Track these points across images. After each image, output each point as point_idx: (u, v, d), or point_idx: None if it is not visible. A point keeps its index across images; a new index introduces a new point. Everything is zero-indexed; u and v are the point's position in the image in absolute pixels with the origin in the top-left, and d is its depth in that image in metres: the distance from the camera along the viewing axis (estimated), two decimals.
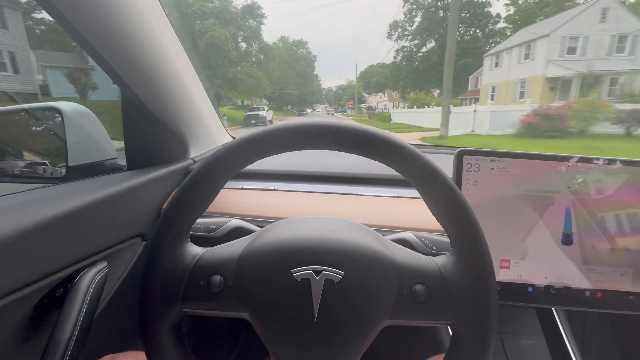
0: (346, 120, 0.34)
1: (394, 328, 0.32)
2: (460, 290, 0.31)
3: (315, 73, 69.20)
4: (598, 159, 0.46)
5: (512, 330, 0.77)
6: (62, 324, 0.39)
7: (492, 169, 0.48)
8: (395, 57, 33.17)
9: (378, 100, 53.13)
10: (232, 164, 0.32)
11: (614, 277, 0.46)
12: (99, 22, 0.45)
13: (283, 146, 0.31)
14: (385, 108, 44.52)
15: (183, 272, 0.32)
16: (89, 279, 0.44)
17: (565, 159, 0.47)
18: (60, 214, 0.41)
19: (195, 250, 0.34)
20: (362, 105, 54.40)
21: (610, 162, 0.46)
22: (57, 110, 0.68)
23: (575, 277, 0.47)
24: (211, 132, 0.83)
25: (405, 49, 31.42)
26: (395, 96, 45.53)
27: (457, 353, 0.31)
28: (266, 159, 0.31)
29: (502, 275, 0.48)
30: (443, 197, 0.31)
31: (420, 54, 30.14)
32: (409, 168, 0.31)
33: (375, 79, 65.96)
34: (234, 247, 0.34)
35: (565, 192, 0.47)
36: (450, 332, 0.32)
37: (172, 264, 0.32)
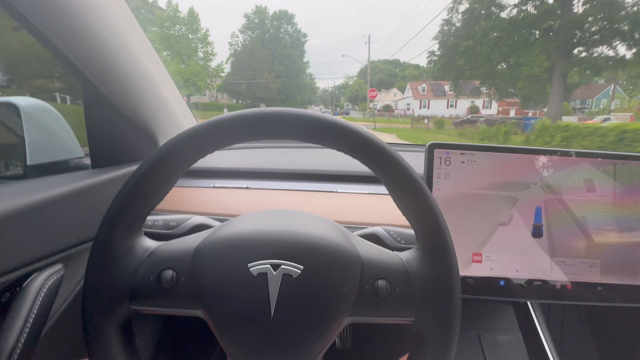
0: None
1: (367, 328, 0.38)
2: (424, 286, 0.35)
3: (305, 60, 59.91)
4: (563, 152, 0.57)
5: (489, 327, 0.87)
6: (6, 331, 0.43)
7: (463, 162, 0.58)
8: (449, 14, 19.35)
9: (393, 98, 49.09)
10: (197, 148, 0.34)
11: (583, 268, 0.57)
12: (51, 8, 0.50)
13: (256, 133, 0.34)
14: (409, 108, 40.78)
15: (132, 267, 0.35)
16: (39, 283, 0.49)
17: (535, 152, 0.57)
18: (4, 212, 0.44)
19: (148, 243, 0.38)
20: (373, 105, 49.94)
21: (578, 155, 0.57)
22: (12, 106, 0.78)
23: (546, 270, 0.57)
24: (182, 127, 0.93)
25: None
26: (423, 91, 41.05)
27: (420, 351, 0.36)
28: (240, 156, 0.36)
29: (474, 269, 0.58)
30: (408, 191, 0.35)
31: None
32: (374, 160, 0.35)
33: (378, 76, 67.45)
34: (189, 241, 0.38)
35: (535, 185, 0.58)
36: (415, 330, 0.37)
37: (121, 257, 0.35)
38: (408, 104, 42.54)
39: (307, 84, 65.35)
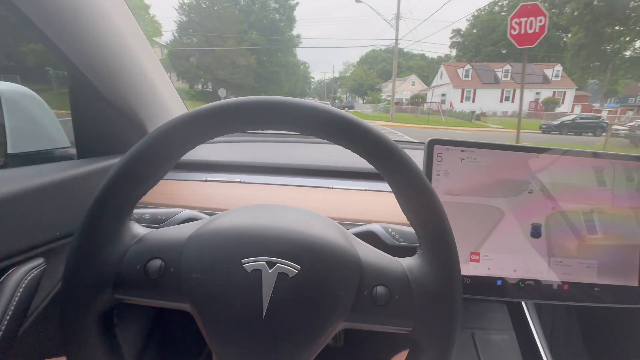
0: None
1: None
2: (425, 296, 0.42)
3: (297, 34, 54.27)
4: (564, 151, 0.73)
5: (482, 326, 1.05)
6: None
7: (463, 159, 0.74)
8: None
9: (411, 88, 46.77)
10: (195, 132, 0.41)
11: (580, 269, 0.72)
12: None
13: (256, 121, 0.41)
14: (444, 101, 37.41)
15: (118, 252, 0.41)
16: (17, 278, 0.56)
17: (536, 151, 0.73)
18: None
19: (137, 230, 0.45)
20: (399, 96, 46.18)
21: (578, 154, 0.72)
22: None
23: (543, 270, 0.73)
24: (173, 117, 1.10)
25: None
26: (466, 76, 36.57)
27: None
28: (234, 150, 0.48)
29: (471, 269, 0.74)
30: (414, 194, 0.42)
31: None
32: (379, 158, 0.42)
33: (380, 65, 75.38)
34: (181, 230, 0.45)
35: (535, 184, 0.73)
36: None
37: (107, 240, 0.41)
38: (443, 95, 38.71)
39: (297, 67, 59.48)
